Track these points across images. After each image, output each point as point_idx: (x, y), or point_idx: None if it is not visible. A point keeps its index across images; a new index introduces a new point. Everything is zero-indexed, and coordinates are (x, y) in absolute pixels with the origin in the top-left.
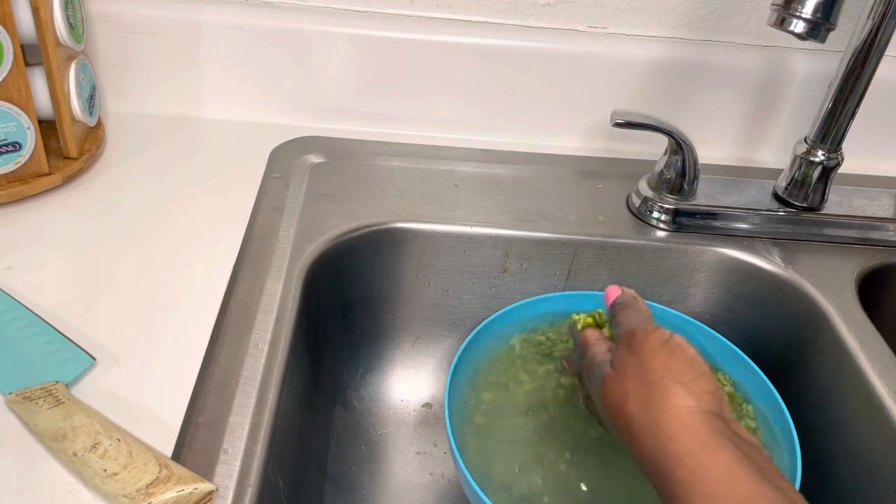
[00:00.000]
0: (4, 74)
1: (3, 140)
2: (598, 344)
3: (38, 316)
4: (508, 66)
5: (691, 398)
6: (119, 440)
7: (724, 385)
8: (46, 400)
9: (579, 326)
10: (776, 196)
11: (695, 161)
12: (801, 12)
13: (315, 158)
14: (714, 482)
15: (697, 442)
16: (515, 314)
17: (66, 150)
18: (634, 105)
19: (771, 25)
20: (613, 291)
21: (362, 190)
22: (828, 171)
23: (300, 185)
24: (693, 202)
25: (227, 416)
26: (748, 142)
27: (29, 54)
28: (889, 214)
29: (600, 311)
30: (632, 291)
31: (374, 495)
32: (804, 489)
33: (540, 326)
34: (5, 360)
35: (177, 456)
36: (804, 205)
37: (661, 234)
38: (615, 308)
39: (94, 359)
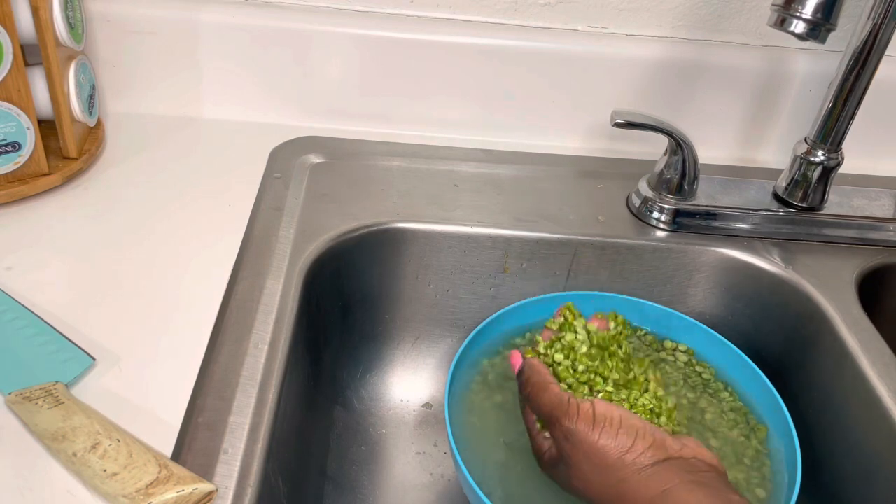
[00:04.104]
0: (4, 74)
1: (2, 140)
2: (538, 435)
3: (37, 316)
4: (508, 65)
5: (640, 461)
6: (119, 440)
7: (722, 388)
8: (46, 400)
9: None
10: (776, 196)
11: (695, 161)
12: (801, 12)
13: (315, 158)
14: None
15: (659, 496)
16: (516, 314)
17: (65, 150)
18: (634, 105)
19: (771, 26)
20: (516, 360)
21: (362, 190)
22: (828, 171)
23: (300, 185)
24: (693, 202)
25: (227, 416)
26: (748, 142)
27: (29, 54)
28: (889, 214)
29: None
30: (532, 362)
31: (374, 495)
32: (804, 489)
33: (540, 327)
34: (5, 360)
35: (177, 456)
36: (804, 205)
37: (661, 234)
38: (521, 384)
39: (94, 359)
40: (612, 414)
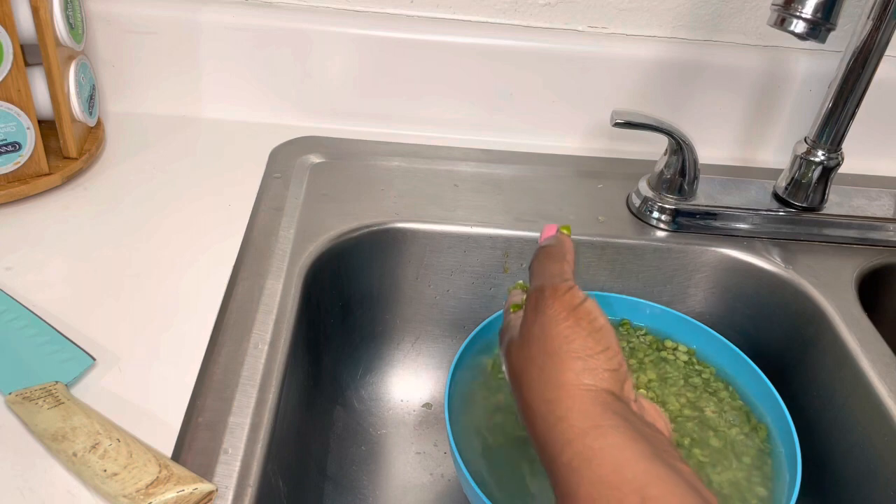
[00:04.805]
0: (4, 74)
1: (2, 140)
2: (515, 313)
3: (38, 316)
4: (508, 65)
5: (587, 375)
6: (119, 440)
7: (722, 387)
8: (46, 400)
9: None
10: (776, 196)
11: (695, 161)
12: (801, 12)
13: (315, 158)
14: (603, 464)
15: (588, 421)
16: None
17: (65, 150)
18: (634, 105)
19: (771, 25)
20: (548, 230)
21: (362, 190)
22: (828, 171)
23: (300, 185)
24: (693, 202)
25: (227, 416)
26: (748, 142)
27: (29, 54)
28: (889, 214)
29: None
30: (564, 237)
31: (373, 495)
32: (805, 488)
33: None
34: (5, 361)
35: (177, 456)
36: (804, 205)
37: (661, 234)
38: (536, 253)
39: (94, 359)
40: (598, 318)
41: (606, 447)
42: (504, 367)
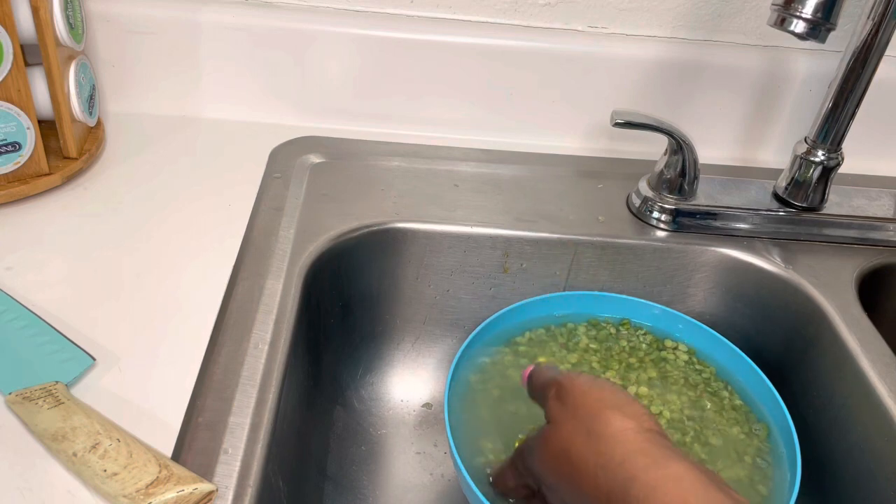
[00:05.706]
0: (4, 74)
1: (2, 140)
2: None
3: (38, 316)
4: (508, 66)
5: (630, 420)
6: (119, 440)
7: (722, 387)
8: (46, 400)
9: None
10: (776, 196)
11: (695, 161)
12: (801, 12)
13: (315, 158)
14: (668, 493)
15: (648, 457)
16: (516, 314)
17: (65, 150)
18: (634, 105)
19: (771, 25)
20: (528, 370)
21: (362, 190)
22: (828, 171)
23: (300, 185)
24: (693, 202)
25: (227, 416)
26: (748, 142)
27: (29, 54)
28: (889, 214)
29: None
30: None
31: (373, 495)
32: (804, 488)
33: (540, 327)
34: (5, 361)
35: (177, 456)
36: (804, 205)
37: (661, 234)
38: (530, 378)
39: (94, 359)
40: (614, 383)
41: (670, 476)
42: (537, 469)
